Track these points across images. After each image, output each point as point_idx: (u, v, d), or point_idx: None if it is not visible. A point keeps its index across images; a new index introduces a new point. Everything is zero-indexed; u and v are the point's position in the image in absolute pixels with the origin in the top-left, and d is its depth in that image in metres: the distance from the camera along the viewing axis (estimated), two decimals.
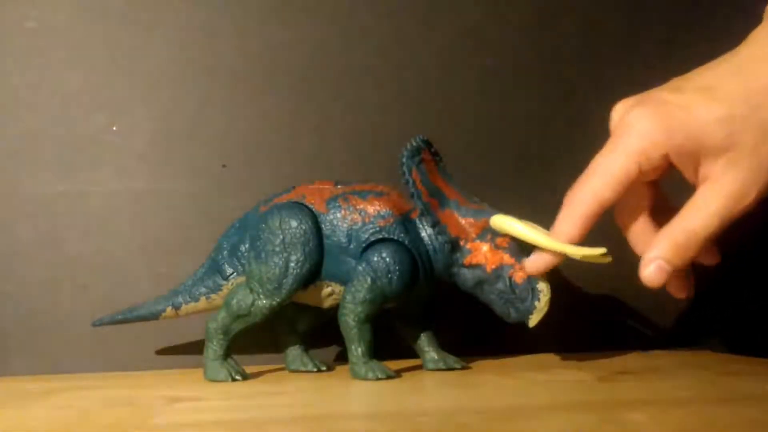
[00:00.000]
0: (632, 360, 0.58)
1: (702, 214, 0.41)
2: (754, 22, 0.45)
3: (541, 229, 0.50)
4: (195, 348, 0.61)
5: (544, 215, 0.53)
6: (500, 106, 0.68)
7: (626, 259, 0.48)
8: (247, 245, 0.54)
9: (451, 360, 0.55)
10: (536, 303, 0.50)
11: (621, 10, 0.69)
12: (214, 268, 0.56)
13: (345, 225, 0.52)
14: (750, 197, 0.40)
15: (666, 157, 0.43)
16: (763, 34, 0.42)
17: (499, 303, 0.51)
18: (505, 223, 0.50)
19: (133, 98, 0.65)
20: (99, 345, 0.62)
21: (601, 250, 0.47)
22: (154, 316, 0.58)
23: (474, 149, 0.67)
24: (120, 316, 0.58)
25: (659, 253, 0.43)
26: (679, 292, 0.48)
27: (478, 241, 0.51)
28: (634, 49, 0.69)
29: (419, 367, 0.56)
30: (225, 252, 0.56)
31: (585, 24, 0.69)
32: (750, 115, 0.40)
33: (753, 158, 0.40)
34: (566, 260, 0.50)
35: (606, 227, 0.65)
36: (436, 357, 0.55)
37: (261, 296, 0.52)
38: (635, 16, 0.69)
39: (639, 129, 0.43)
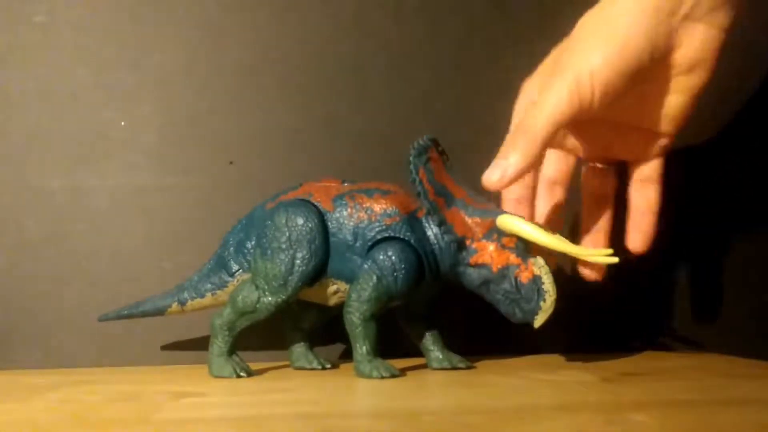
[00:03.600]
0: (637, 361, 0.58)
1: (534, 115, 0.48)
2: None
3: (547, 229, 0.50)
4: (200, 344, 0.61)
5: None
6: (509, 105, 0.68)
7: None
8: (253, 242, 0.55)
9: (456, 359, 0.55)
10: (542, 303, 0.50)
11: None
12: (220, 265, 0.56)
13: (351, 223, 0.52)
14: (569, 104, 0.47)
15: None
16: None
17: (505, 303, 0.51)
18: (511, 222, 0.50)
19: (142, 94, 0.65)
20: (104, 340, 0.62)
21: (608, 251, 0.47)
22: (160, 312, 0.58)
23: (482, 148, 0.66)
24: (126, 312, 0.59)
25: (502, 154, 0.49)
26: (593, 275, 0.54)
27: (484, 241, 0.51)
28: None
29: (424, 366, 0.56)
30: (231, 248, 0.56)
31: None
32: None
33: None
34: (572, 261, 0.50)
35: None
36: (440, 356, 0.55)
37: (266, 293, 0.52)
38: None
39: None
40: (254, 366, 0.55)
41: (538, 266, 0.50)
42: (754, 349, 0.59)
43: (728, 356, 0.60)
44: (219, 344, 0.53)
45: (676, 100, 0.49)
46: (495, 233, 0.51)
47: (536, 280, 0.50)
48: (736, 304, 0.68)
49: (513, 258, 0.50)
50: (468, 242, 0.51)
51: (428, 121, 0.66)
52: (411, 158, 0.51)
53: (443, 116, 0.67)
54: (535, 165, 0.49)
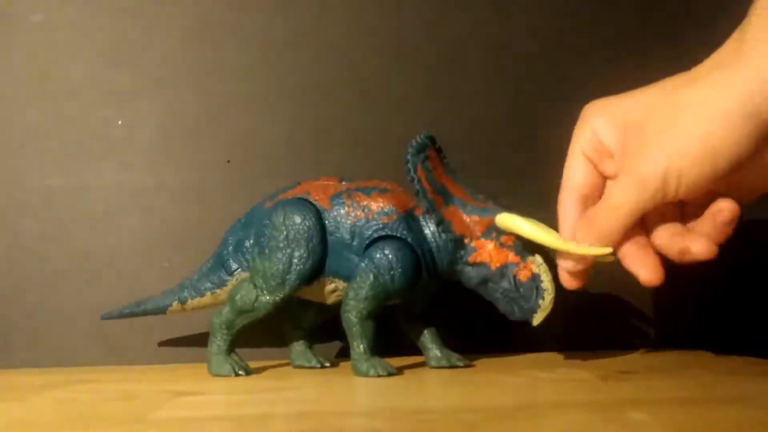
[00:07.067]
0: (635, 359, 0.58)
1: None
2: None
3: (546, 227, 0.50)
4: (199, 342, 0.61)
5: (550, 213, 0.53)
6: (506, 104, 0.68)
7: None
8: (251, 241, 0.55)
9: (455, 358, 0.55)
10: (540, 301, 0.50)
11: (626, 9, 0.69)
12: (219, 264, 0.56)
13: (348, 221, 0.52)
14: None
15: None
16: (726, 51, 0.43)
17: (504, 301, 0.51)
18: (510, 221, 0.50)
19: (139, 93, 0.65)
20: (103, 339, 0.62)
21: (606, 250, 0.47)
22: (162, 311, 0.58)
23: (479, 147, 0.67)
24: (128, 310, 0.59)
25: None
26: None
27: (482, 239, 0.51)
28: (639, 46, 0.69)
29: (422, 365, 0.56)
30: (230, 247, 0.56)
31: (592, 22, 0.69)
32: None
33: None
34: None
35: None
36: (439, 354, 0.55)
37: (264, 292, 0.52)
38: (638, 14, 0.69)
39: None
40: (253, 364, 0.55)
41: (537, 264, 0.50)
42: (749, 347, 0.59)
43: (726, 354, 0.60)
44: (218, 342, 0.53)
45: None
46: (494, 231, 0.51)
47: (535, 278, 0.50)
48: (735, 302, 0.68)
49: (512, 256, 0.50)
50: (466, 241, 0.51)
51: (426, 120, 0.66)
52: (409, 156, 0.51)
53: (441, 115, 0.67)
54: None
